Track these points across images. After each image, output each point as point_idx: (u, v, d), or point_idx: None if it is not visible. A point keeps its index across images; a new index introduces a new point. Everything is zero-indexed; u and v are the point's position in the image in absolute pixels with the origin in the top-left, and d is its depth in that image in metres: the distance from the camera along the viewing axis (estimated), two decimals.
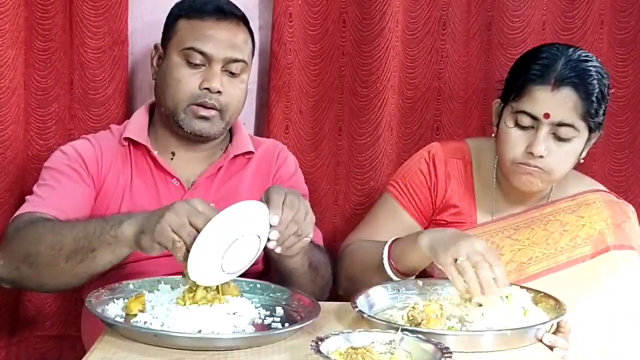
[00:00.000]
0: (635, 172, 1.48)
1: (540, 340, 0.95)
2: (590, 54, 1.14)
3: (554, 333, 0.98)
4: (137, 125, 1.20)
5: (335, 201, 1.43)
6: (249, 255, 0.93)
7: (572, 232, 1.16)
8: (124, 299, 0.99)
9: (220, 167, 1.20)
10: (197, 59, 1.14)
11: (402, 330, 0.87)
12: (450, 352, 0.83)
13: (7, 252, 1.04)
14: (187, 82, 1.15)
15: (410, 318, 0.94)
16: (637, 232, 1.20)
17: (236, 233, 0.89)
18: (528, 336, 0.94)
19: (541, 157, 1.09)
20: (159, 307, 0.96)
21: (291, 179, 1.25)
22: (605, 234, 1.16)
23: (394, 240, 1.11)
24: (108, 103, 1.33)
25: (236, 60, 1.16)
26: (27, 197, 1.13)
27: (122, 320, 0.94)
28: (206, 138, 1.18)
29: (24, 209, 1.10)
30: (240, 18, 1.19)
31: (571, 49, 1.13)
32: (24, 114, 1.29)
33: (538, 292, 1.05)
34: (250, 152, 1.23)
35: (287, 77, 1.37)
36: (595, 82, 1.10)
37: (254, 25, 1.30)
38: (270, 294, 1.06)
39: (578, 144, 1.12)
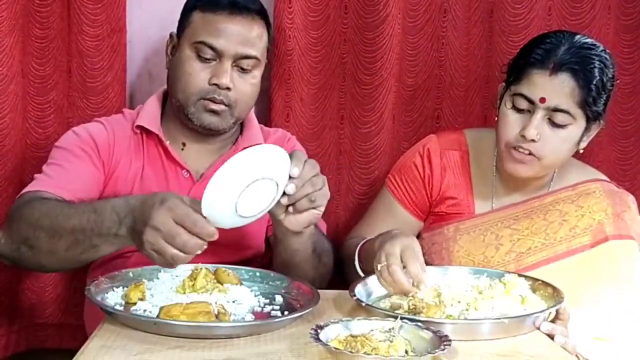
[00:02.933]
0: None
1: (539, 328, 0.95)
2: (597, 43, 1.13)
3: (553, 321, 0.98)
4: (150, 114, 1.19)
5: (337, 191, 1.42)
6: (265, 202, 0.91)
7: (571, 222, 1.16)
8: (123, 287, 0.99)
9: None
10: (208, 53, 1.13)
11: (401, 318, 0.87)
12: (450, 340, 0.82)
13: (9, 231, 1.03)
14: (197, 76, 1.14)
15: (412, 307, 0.94)
16: (637, 222, 1.19)
17: (256, 174, 0.86)
18: (526, 324, 0.94)
19: (533, 141, 1.09)
20: (158, 296, 0.96)
21: None
22: (604, 224, 1.15)
23: (366, 242, 1.12)
24: (106, 91, 1.32)
25: (247, 57, 1.14)
26: (36, 175, 1.12)
27: (121, 308, 0.94)
28: (215, 132, 1.17)
29: (30, 187, 1.09)
30: (256, 12, 1.17)
31: (578, 36, 1.12)
32: (22, 102, 1.28)
33: (536, 280, 1.05)
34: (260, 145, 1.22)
35: (288, 64, 1.36)
36: (595, 70, 1.08)
37: None
38: (270, 282, 1.06)
39: (574, 131, 1.10)
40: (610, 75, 1.11)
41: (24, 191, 1.08)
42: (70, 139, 1.16)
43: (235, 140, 1.23)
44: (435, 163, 1.22)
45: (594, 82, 1.08)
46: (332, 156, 1.42)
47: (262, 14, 1.18)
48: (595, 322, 1.08)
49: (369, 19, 1.36)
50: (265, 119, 1.39)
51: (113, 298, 0.97)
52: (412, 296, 0.97)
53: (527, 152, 1.10)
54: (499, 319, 0.92)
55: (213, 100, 1.14)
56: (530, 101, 1.09)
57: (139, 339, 0.86)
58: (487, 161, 1.21)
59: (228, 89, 1.13)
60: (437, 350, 0.81)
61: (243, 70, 1.15)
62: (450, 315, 0.93)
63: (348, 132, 1.41)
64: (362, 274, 1.10)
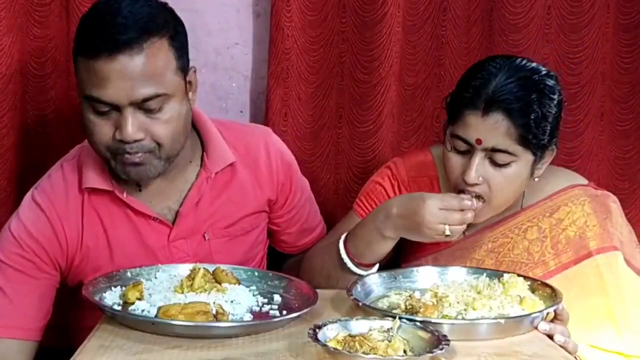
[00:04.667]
0: None
1: (537, 328, 0.94)
2: (538, 68, 1.05)
3: (552, 321, 0.97)
4: (94, 169, 1.03)
5: (335, 191, 1.42)
6: None
7: (553, 239, 1.11)
8: (121, 287, 0.99)
9: (204, 192, 1.07)
10: (102, 107, 0.95)
11: (399, 318, 0.86)
12: (448, 340, 0.82)
13: None
14: (100, 133, 0.97)
15: (409, 307, 0.94)
16: (619, 226, 1.14)
17: None
18: (524, 324, 0.93)
19: (476, 184, 1.04)
20: (156, 295, 0.96)
21: (292, 183, 1.16)
22: (587, 238, 1.10)
23: (346, 237, 1.07)
24: None
25: (148, 99, 0.95)
26: None
27: (119, 308, 0.93)
28: (149, 180, 1.02)
29: None
30: (145, 35, 0.94)
31: (517, 61, 1.04)
32: (21, 101, 1.28)
33: (535, 280, 1.04)
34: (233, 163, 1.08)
35: (286, 63, 1.36)
36: (533, 104, 1.01)
37: (249, 13, 1.27)
38: (268, 282, 1.06)
39: (519, 168, 1.04)
40: (553, 103, 1.03)
41: None
42: (11, 249, 1.01)
43: (201, 161, 1.07)
44: (405, 192, 1.15)
45: (532, 117, 1.01)
46: (330, 155, 1.42)
47: (154, 31, 0.95)
48: (587, 337, 1.06)
49: (367, 17, 1.36)
50: (263, 118, 1.39)
51: (111, 298, 0.97)
52: (410, 296, 0.97)
53: (474, 194, 1.05)
54: (497, 319, 0.92)
55: (128, 154, 0.97)
56: (468, 142, 1.04)
57: (137, 338, 0.86)
58: None
59: (137, 140, 0.96)
60: (435, 350, 0.80)
61: (150, 111, 0.96)
62: (447, 315, 0.93)
63: (346, 132, 1.41)
64: (353, 267, 1.06)
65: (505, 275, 1.03)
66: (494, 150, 1.04)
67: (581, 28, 1.40)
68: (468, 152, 1.06)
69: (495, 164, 1.05)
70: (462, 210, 1.01)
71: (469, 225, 1.08)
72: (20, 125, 1.29)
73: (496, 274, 1.06)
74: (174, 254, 1.08)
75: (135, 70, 0.94)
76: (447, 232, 1.00)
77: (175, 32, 0.99)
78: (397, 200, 1.06)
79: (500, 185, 1.05)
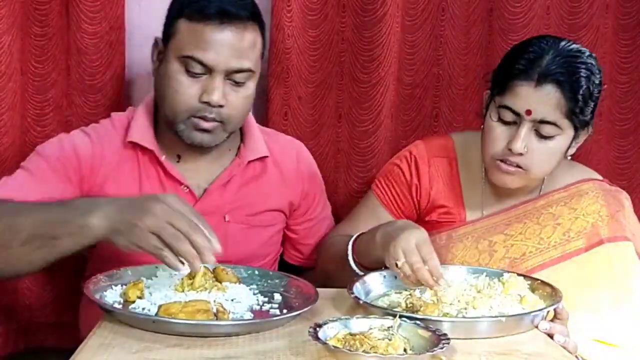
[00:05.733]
0: None
1: (537, 327, 0.95)
2: (583, 49, 1.09)
3: (552, 320, 0.98)
4: (142, 127, 1.13)
5: (335, 190, 1.42)
6: None
7: (565, 225, 1.15)
8: (122, 286, 0.99)
9: (234, 175, 1.15)
10: (197, 68, 1.05)
11: (400, 316, 0.87)
12: (448, 339, 0.83)
13: None
14: (186, 93, 1.06)
15: (409, 306, 0.94)
16: (632, 221, 1.18)
17: None
18: (524, 323, 0.94)
19: (520, 154, 1.07)
20: (157, 294, 0.96)
21: (317, 195, 1.24)
22: (598, 227, 1.14)
23: (358, 235, 1.10)
24: (105, 89, 1.32)
25: (240, 71, 1.07)
26: (4, 178, 1.08)
27: (120, 306, 0.93)
28: (208, 148, 1.12)
29: None
30: (249, 17, 1.07)
31: (563, 42, 1.09)
32: (21, 100, 1.28)
33: (535, 279, 1.05)
34: (266, 157, 1.17)
35: (286, 63, 1.36)
36: (582, 79, 1.05)
37: None
38: (269, 281, 1.06)
39: (562, 142, 1.09)
40: (597, 82, 1.08)
41: None
42: (53, 148, 1.11)
43: (237, 149, 1.17)
44: (423, 171, 1.20)
45: (581, 92, 1.05)
46: (330, 155, 1.42)
47: (255, 18, 1.09)
48: (593, 326, 1.07)
49: (366, 17, 1.36)
50: (263, 117, 1.39)
51: (111, 296, 0.97)
52: (410, 294, 0.97)
53: (514, 164, 1.08)
54: (497, 317, 0.92)
55: (204, 119, 1.06)
56: (516, 113, 1.07)
57: (138, 337, 0.86)
58: (476, 167, 1.19)
59: (220, 106, 1.06)
60: (435, 349, 0.81)
61: (236, 83, 1.07)
62: (447, 314, 0.93)
63: (346, 131, 1.41)
64: (356, 269, 1.08)
65: (505, 275, 1.04)
66: (542, 122, 1.06)
67: (580, 28, 1.40)
68: (514, 124, 1.08)
69: (540, 135, 1.08)
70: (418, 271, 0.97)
71: (486, 206, 1.14)
72: (19, 124, 1.28)
73: (496, 273, 1.07)
74: None
75: (238, 43, 1.06)
76: (399, 265, 0.97)
77: (264, 27, 1.12)
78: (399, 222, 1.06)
79: (542, 157, 1.08)
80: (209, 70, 1.06)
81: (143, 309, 0.92)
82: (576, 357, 0.98)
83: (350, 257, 1.09)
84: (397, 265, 0.97)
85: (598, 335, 1.08)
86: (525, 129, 1.07)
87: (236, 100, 1.08)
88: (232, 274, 1.03)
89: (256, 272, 1.08)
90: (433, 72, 1.42)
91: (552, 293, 1.00)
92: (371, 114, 1.39)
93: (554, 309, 0.97)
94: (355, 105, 1.40)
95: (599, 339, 1.07)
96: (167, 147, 1.14)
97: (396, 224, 1.03)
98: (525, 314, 0.94)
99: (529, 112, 1.06)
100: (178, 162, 1.14)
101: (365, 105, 1.39)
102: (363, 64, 1.37)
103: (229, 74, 1.07)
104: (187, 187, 1.13)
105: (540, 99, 1.05)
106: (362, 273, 1.07)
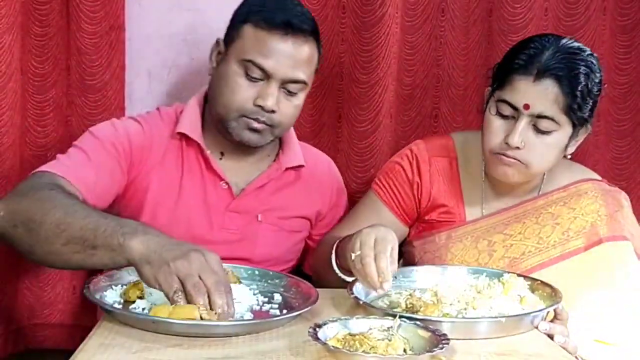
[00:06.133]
0: (638, 159, 1.47)
1: (537, 328, 0.95)
2: (584, 47, 1.10)
3: (552, 321, 0.98)
4: (191, 120, 1.16)
5: None
6: None
7: (564, 225, 1.15)
8: (122, 286, 0.99)
9: (271, 179, 1.20)
10: (256, 73, 1.10)
11: (400, 316, 0.87)
12: (448, 339, 0.83)
13: (12, 206, 0.98)
14: (242, 94, 1.11)
15: (409, 306, 0.94)
16: (630, 221, 1.18)
17: None
18: (524, 323, 0.94)
19: (518, 148, 1.07)
20: (157, 294, 0.96)
21: (341, 208, 1.28)
22: (597, 226, 1.14)
23: (343, 239, 1.08)
24: (105, 89, 1.31)
25: (296, 81, 1.12)
26: (59, 156, 1.10)
27: (120, 306, 0.94)
28: (254, 148, 1.17)
29: (50, 167, 1.06)
30: (310, 32, 1.12)
31: (565, 40, 1.09)
32: (21, 100, 1.28)
33: (535, 280, 1.05)
34: (302, 166, 1.22)
35: None
36: (581, 76, 1.06)
37: None
38: (269, 281, 1.07)
39: (560, 138, 1.09)
40: (596, 80, 1.08)
41: (42, 169, 1.06)
42: (107, 131, 1.13)
43: (276, 155, 1.22)
44: (424, 170, 1.20)
45: (579, 88, 1.06)
46: (330, 155, 1.41)
47: (315, 34, 1.14)
48: (593, 325, 1.08)
49: (366, 18, 1.36)
50: None
51: (112, 296, 0.97)
52: (410, 294, 0.97)
53: (512, 159, 1.09)
54: (497, 317, 0.92)
55: (256, 120, 1.12)
56: (514, 107, 1.07)
57: (138, 337, 0.86)
58: (476, 166, 1.20)
59: (273, 111, 1.11)
60: (435, 349, 0.81)
61: (289, 93, 1.13)
62: (447, 314, 0.94)
63: (345, 131, 1.41)
64: (338, 271, 1.06)
65: (505, 275, 1.04)
66: (540, 116, 1.07)
67: (577, 30, 1.41)
68: (512, 118, 1.09)
69: (538, 130, 1.08)
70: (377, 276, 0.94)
71: (486, 205, 1.14)
72: (19, 124, 1.28)
73: (496, 273, 1.07)
74: (226, 223, 1.17)
75: (298, 54, 1.11)
76: (353, 257, 0.94)
77: (320, 44, 1.17)
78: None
79: (540, 152, 1.09)
80: (266, 76, 1.11)
81: (143, 309, 0.92)
82: (576, 357, 0.98)
83: (333, 260, 1.08)
84: (351, 257, 0.95)
85: (597, 335, 1.08)
86: (522, 123, 1.07)
87: (287, 108, 1.13)
88: (232, 274, 1.03)
89: (256, 272, 1.08)
90: (433, 73, 1.43)
91: (552, 293, 1.00)
92: (370, 114, 1.39)
93: (554, 310, 0.98)
94: (355, 106, 1.40)
95: (599, 339, 1.08)
96: (212, 143, 1.18)
97: (372, 225, 1.01)
98: (525, 314, 0.95)
99: (527, 107, 1.06)
100: (221, 159, 1.19)
101: (365, 105, 1.39)
102: (362, 64, 1.38)
103: (284, 83, 1.12)
104: (227, 184, 1.17)
105: (538, 94, 1.06)
106: (343, 276, 1.06)
